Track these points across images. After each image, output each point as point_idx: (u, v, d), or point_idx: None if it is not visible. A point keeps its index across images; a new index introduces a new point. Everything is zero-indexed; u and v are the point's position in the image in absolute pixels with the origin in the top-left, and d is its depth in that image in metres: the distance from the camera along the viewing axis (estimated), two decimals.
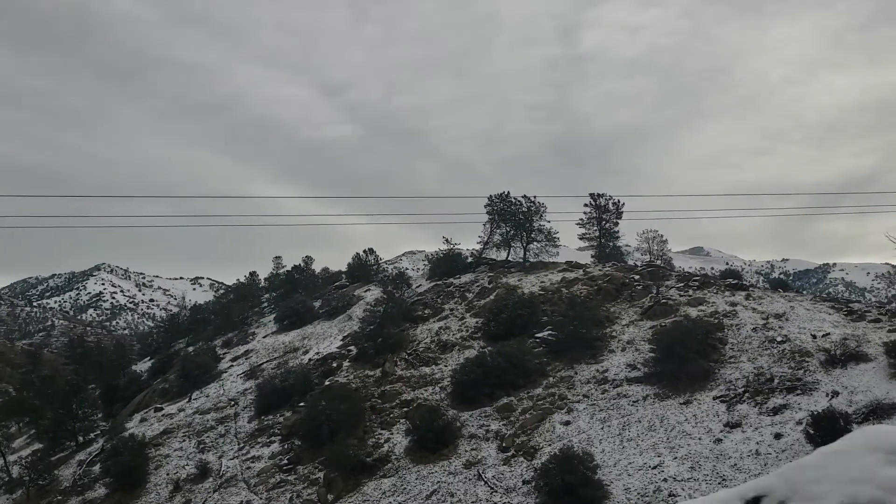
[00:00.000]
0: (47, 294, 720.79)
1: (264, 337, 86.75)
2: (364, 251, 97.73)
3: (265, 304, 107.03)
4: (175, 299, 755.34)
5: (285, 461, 58.14)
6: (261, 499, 55.08)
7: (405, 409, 59.69)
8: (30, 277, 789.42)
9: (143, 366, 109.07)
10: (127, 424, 74.63)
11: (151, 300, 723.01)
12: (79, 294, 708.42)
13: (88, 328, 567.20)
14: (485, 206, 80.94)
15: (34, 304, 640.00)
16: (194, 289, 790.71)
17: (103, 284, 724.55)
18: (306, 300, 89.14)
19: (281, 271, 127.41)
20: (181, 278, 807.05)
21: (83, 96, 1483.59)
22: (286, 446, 60.07)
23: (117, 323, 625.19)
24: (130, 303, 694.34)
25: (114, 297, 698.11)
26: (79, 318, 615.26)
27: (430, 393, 60.90)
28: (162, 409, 74.61)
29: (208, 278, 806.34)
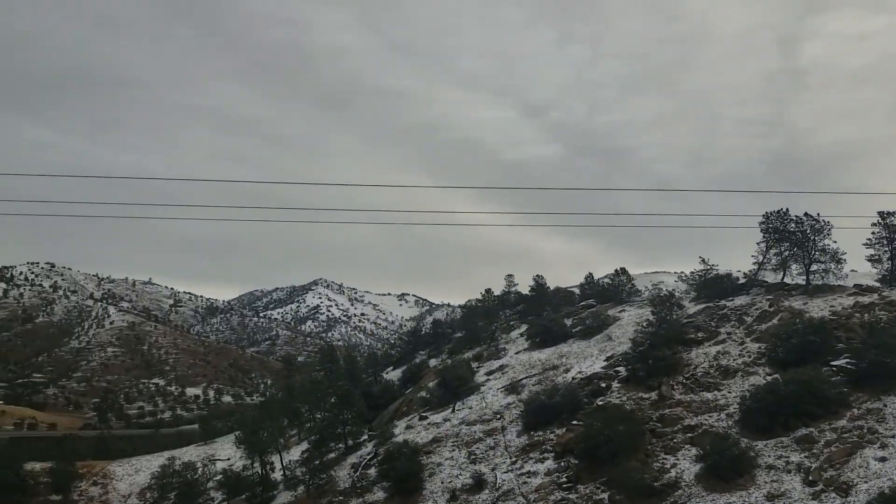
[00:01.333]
0: (271, 306, 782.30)
1: (517, 353, 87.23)
2: (616, 270, 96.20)
3: (512, 321, 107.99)
4: (383, 314, 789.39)
5: (564, 479, 57.33)
6: None
7: (689, 435, 57.00)
8: (255, 290, 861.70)
9: (388, 374, 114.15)
10: (393, 431, 77.42)
11: (363, 314, 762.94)
12: (298, 307, 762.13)
13: (308, 338, 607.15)
14: (759, 224, 76.61)
15: (260, 315, 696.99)
16: (401, 304, 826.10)
17: (320, 298, 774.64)
18: (558, 318, 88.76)
19: (512, 289, 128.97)
20: (389, 294, 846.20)
21: (299, 123, 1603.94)
22: (562, 464, 59.30)
23: (332, 335, 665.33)
24: (344, 316, 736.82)
25: (329, 311, 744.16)
26: (299, 328, 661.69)
27: (714, 419, 57.77)
28: (426, 417, 76.75)
29: (413, 294, 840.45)
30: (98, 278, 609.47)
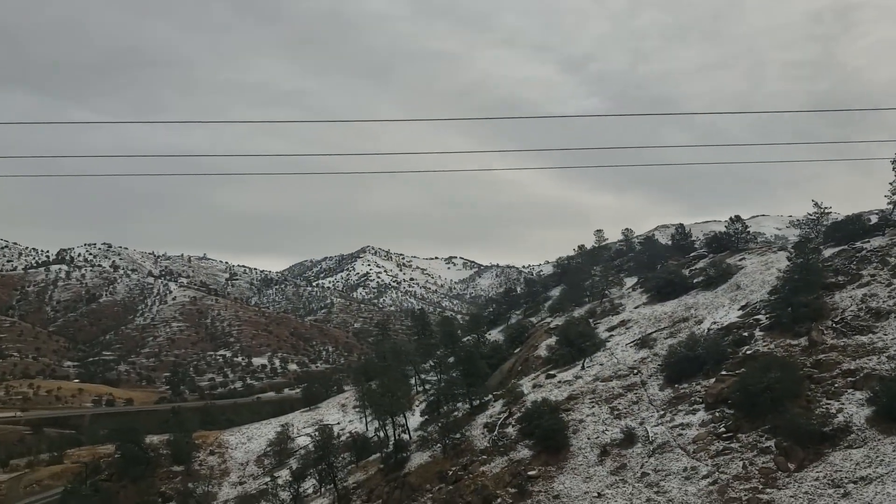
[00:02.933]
0: (321, 275, 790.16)
1: (636, 307, 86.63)
2: (731, 218, 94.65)
3: (620, 275, 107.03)
4: (432, 277, 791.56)
5: (722, 429, 57.04)
6: (706, 465, 54.39)
7: (850, 379, 56.11)
8: (305, 260, 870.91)
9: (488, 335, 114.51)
10: (521, 390, 77.66)
11: (412, 279, 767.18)
12: (348, 275, 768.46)
13: (362, 305, 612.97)
14: (892, 162, 74.33)
15: (313, 284, 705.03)
16: (448, 268, 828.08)
17: (369, 265, 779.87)
18: (677, 270, 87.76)
19: (603, 244, 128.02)
20: (436, 258, 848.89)
21: (341, 94, 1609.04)
22: (716, 414, 58.94)
23: (383, 300, 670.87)
24: (394, 282, 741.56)
25: (379, 277, 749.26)
26: (351, 296, 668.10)
27: (875, 362, 56.70)
28: (554, 375, 76.82)
29: (461, 257, 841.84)
30: (154, 256, 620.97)
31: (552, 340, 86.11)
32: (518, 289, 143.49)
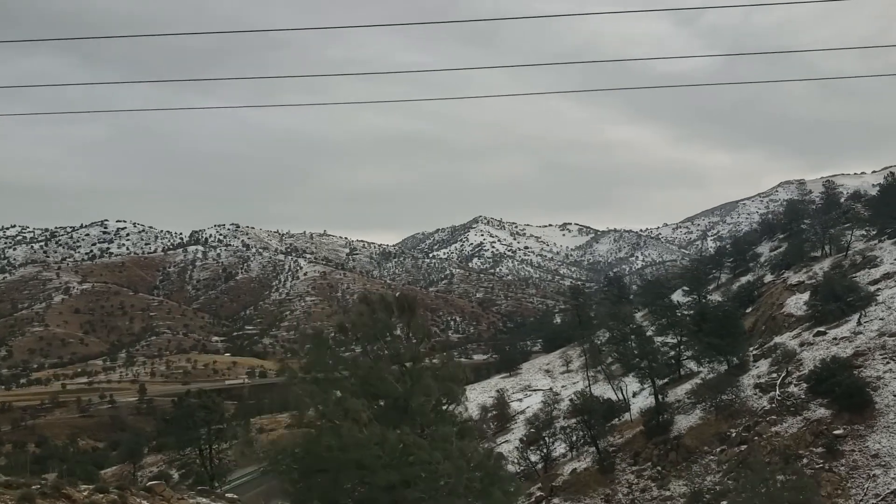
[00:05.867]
0: (434, 247, 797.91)
1: (894, 262, 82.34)
2: None
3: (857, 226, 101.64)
4: (547, 245, 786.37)
5: None
6: None
7: None
8: (417, 233, 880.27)
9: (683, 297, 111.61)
10: (791, 349, 74.90)
11: (526, 247, 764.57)
12: (462, 245, 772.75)
13: (481, 275, 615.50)
14: None
15: (429, 256, 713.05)
16: (563, 234, 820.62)
17: (482, 235, 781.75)
18: None
19: (805, 197, 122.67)
20: (550, 225, 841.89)
21: (450, 63, 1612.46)
22: None
23: (500, 269, 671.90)
24: (509, 251, 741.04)
25: (493, 247, 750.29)
26: (468, 266, 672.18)
27: None
28: (825, 332, 73.70)
29: (576, 223, 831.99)
30: (279, 234, 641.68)
31: (804, 296, 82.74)
32: (727, 247, 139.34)
